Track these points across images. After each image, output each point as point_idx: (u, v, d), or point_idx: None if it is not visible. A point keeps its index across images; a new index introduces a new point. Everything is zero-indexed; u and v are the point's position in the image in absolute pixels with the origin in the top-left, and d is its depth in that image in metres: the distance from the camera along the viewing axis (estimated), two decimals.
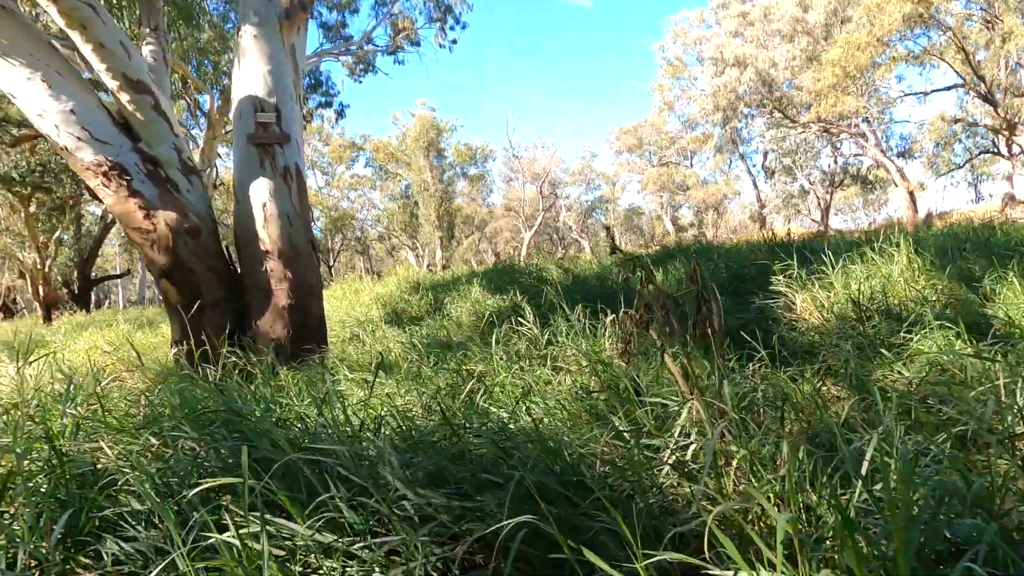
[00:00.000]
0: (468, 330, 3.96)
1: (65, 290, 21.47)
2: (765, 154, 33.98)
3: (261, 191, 4.22)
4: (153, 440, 1.73)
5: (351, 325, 5.46)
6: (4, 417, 1.98)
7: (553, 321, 3.17)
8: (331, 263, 37.41)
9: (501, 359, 2.75)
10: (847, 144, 27.92)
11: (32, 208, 18.58)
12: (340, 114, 15.63)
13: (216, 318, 4.18)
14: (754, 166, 35.42)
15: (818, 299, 3.33)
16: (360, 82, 15.25)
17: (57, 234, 21.00)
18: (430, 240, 36.49)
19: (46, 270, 19.69)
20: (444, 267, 37.18)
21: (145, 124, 3.97)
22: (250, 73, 4.20)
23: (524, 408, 2.02)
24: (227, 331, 4.25)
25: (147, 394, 2.37)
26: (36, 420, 2.06)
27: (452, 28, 15.07)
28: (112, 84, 3.86)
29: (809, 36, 21.85)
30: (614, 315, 2.54)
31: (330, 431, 1.61)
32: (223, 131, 13.33)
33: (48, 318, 17.12)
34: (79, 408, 2.08)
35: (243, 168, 4.26)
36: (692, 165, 38.41)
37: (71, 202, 19.30)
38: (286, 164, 4.27)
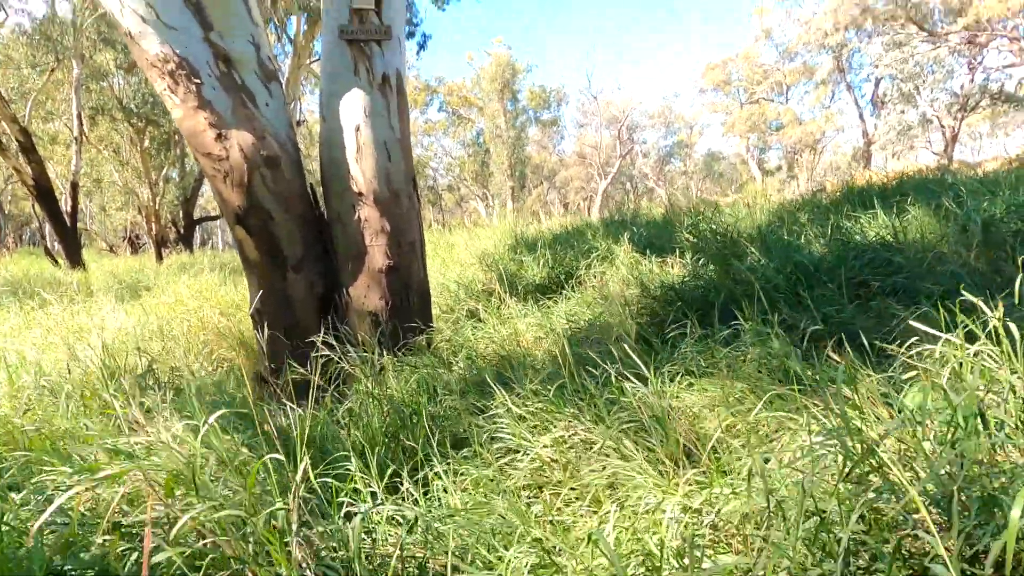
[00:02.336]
0: (639, 316, 2.82)
1: (173, 229, 21.86)
2: (877, 82, 29.54)
3: (354, 109, 3.15)
4: None
5: (453, 290, 4.45)
6: None
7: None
8: None
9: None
10: (991, 56, 23.51)
11: (146, 143, 18.55)
12: (423, 46, 14.33)
13: (301, 282, 3.26)
14: (862, 96, 31.03)
15: None
16: (444, 9, 13.79)
17: (164, 171, 20.99)
18: (501, 190, 35.25)
19: (157, 208, 19.85)
20: (516, 218, 35.96)
21: (219, 4, 2.93)
22: None
23: None
24: (317, 298, 3.33)
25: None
26: None
27: None
28: None
29: None
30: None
31: None
32: (308, 60, 12.39)
33: (159, 256, 17.35)
34: None
35: (332, 77, 3.19)
36: (787, 101, 34.25)
37: (176, 137, 19.15)
38: (385, 71, 3.16)
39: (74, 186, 11.72)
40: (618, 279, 3.26)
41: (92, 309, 5.68)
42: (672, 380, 1.86)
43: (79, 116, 12.29)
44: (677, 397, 1.75)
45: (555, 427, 1.63)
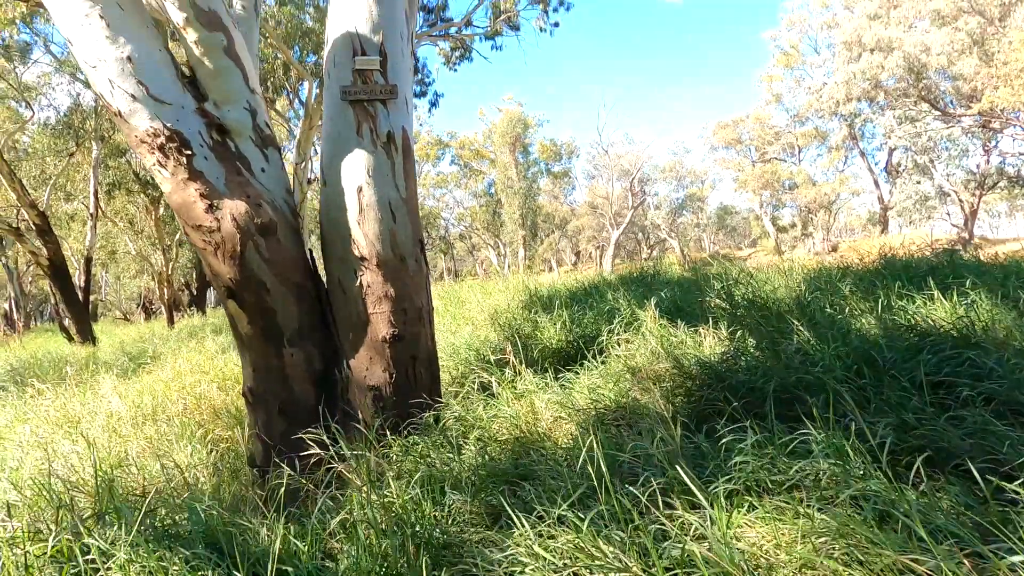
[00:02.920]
0: (673, 396, 2.44)
1: (185, 292, 22.01)
2: (891, 151, 29.72)
3: (356, 170, 2.94)
4: None
5: (463, 354, 4.12)
6: None
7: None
8: None
9: None
10: (1006, 141, 23.45)
11: (160, 210, 18.97)
12: (434, 104, 14.60)
13: (298, 357, 2.96)
14: (876, 164, 31.22)
15: None
16: (455, 70, 14.16)
17: (178, 236, 21.41)
18: (513, 239, 35.47)
19: (169, 272, 20.10)
20: (528, 267, 35.99)
21: (214, 75, 2.80)
22: (351, 1, 2.92)
23: None
24: (315, 374, 3.02)
25: None
26: None
27: (555, 10, 13.60)
28: (177, 16, 2.71)
29: (980, 17, 18.25)
30: None
31: None
32: (320, 122, 12.68)
33: (171, 320, 17.34)
34: None
35: (333, 138, 3.01)
36: (800, 162, 34.57)
37: None
38: (390, 129, 2.97)
39: (87, 261, 11.84)
40: (646, 350, 2.90)
41: (92, 391, 5.45)
42: (730, 500, 1.49)
43: (95, 193, 12.59)
44: (739, 527, 1.38)
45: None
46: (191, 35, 2.68)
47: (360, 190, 2.95)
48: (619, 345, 3.22)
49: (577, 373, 3.07)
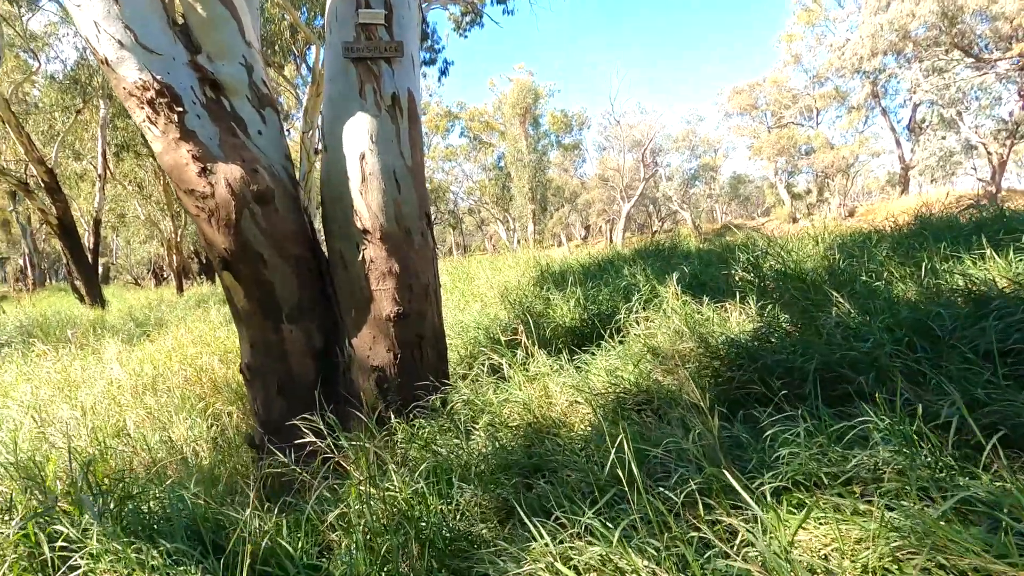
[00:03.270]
0: (700, 378, 2.27)
1: (195, 260, 21.93)
2: (915, 107, 28.58)
3: (359, 135, 2.74)
4: None
5: (472, 333, 3.97)
6: None
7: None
8: None
9: None
10: None
11: None
12: (444, 72, 14.13)
13: (297, 334, 2.82)
14: (898, 122, 30.09)
15: None
16: (465, 36, 13.63)
17: None
18: (522, 213, 35.07)
19: (179, 240, 19.96)
20: (537, 241, 35.65)
21: (207, 24, 2.58)
22: None
23: None
24: (316, 352, 2.89)
25: None
26: None
27: None
28: None
29: None
30: None
31: None
32: None
33: (180, 288, 17.23)
34: None
35: (335, 101, 2.80)
36: (818, 125, 33.45)
37: None
38: (395, 91, 2.75)
39: (96, 223, 11.76)
40: (668, 329, 2.71)
41: (96, 356, 5.39)
42: (778, 498, 1.32)
43: (103, 154, 12.42)
44: (790, 525, 1.21)
45: None
46: None
47: (363, 157, 2.75)
48: (638, 324, 3.04)
49: (593, 354, 2.90)
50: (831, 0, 28.17)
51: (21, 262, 27.19)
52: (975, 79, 21.35)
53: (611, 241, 35.20)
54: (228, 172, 2.59)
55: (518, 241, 38.07)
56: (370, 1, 2.66)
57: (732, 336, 2.41)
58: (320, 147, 2.85)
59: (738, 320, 2.70)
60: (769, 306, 2.73)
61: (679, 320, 2.69)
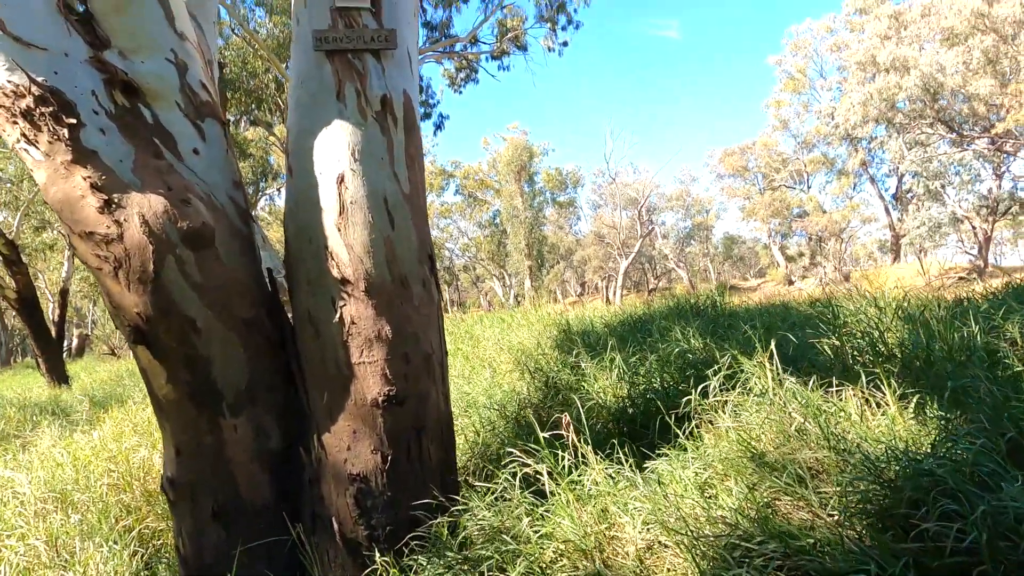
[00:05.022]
0: (855, 512, 1.41)
1: None
2: (900, 177, 29.07)
3: (336, 150, 1.99)
4: None
5: (484, 413, 3.10)
6: None
7: None
8: None
9: None
10: (1018, 164, 22.75)
11: None
12: (439, 126, 13.83)
13: (244, 431, 1.97)
14: (886, 190, 30.55)
15: None
16: (460, 92, 13.47)
17: None
18: (519, 269, 34.61)
19: None
20: (533, 299, 34.96)
21: (117, 7, 1.88)
22: None
23: None
24: (270, 456, 2.03)
25: None
26: None
27: (564, 28, 13.00)
28: None
29: (995, 34, 17.74)
30: None
31: None
32: None
33: None
34: None
35: (305, 105, 2.07)
36: (809, 189, 33.84)
37: None
38: (386, 93, 2.02)
39: (63, 293, 10.93)
40: (772, 422, 1.86)
41: (22, 448, 4.41)
42: None
43: None
44: None
45: None
46: None
47: (341, 180, 1.99)
48: (716, 409, 2.19)
49: (661, 453, 2.03)
50: (814, 71, 29.32)
51: None
52: (955, 155, 21.72)
53: (608, 299, 34.60)
54: (145, 205, 1.81)
55: (515, 297, 37.41)
56: None
57: (896, 447, 1.55)
58: (285, 167, 2.09)
59: (876, 416, 1.85)
60: (919, 396, 1.88)
61: (796, 414, 1.83)
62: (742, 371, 2.31)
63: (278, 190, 23.54)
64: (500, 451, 2.66)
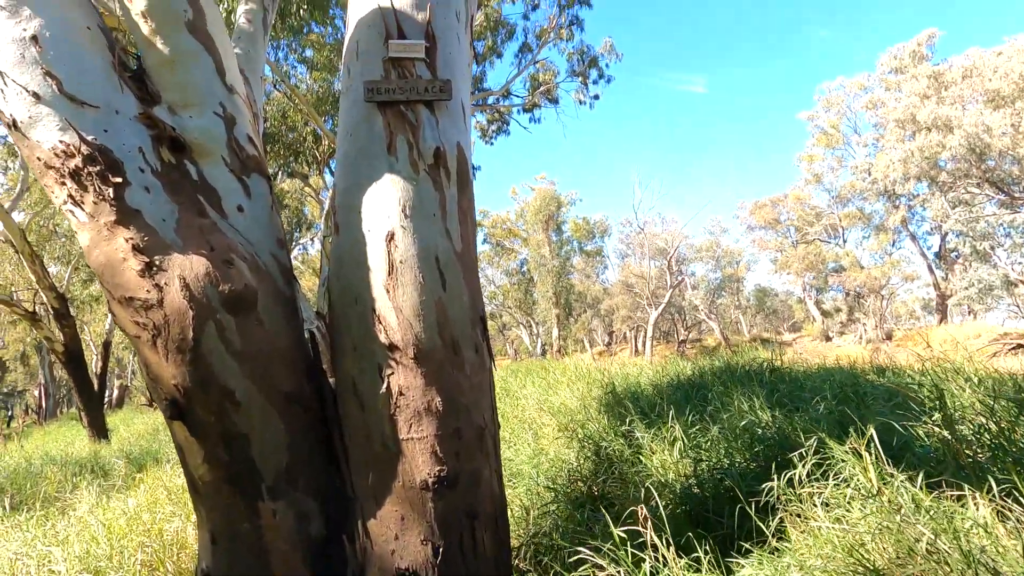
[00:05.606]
0: None
1: None
2: (943, 236, 27.85)
3: (385, 206, 1.87)
4: None
5: (532, 485, 2.83)
6: None
7: None
8: None
9: None
10: None
11: None
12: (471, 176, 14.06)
13: (287, 517, 1.77)
14: (928, 248, 29.24)
15: None
16: (492, 144, 13.75)
17: None
18: (546, 318, 34.30)
19: None
20: (560, 348, 34.38)
21: (170, 63, 1.84)
22: None
23: None
24: (312, 544, 1.81)
25: None
26: None
27: (595, 82, 13.26)
28: None
29: None
30: None
31: None
32: None
33: None
34: None
35: (352, 162, 1.97)
36: (845, 243, 32.72)
37: None
38: (439, 146, 1.91)
39: (106, 346, 11.17)
40: (886, 535, 1.55)
41: (61, 515, 4.29)
42: None
43: None
44: None
45: None
46: (136, 3, 1.76)
47: (391, 238, 1.85)
48: (806, 500, 1.88)
49: (746, 549, 1.72)
50: (847, 127, 29.19)
51: (37, 393, 26.82)
52: (1005, 216, 20.89)
53: (638, 350, 33.74)
54: (186, 267, 1.70)
55: (543, 346, 36.91)
56: (404, 29, 1.93)
57: None
58: (331, 225, 1.97)
59: (1013, 536, 1.52)
60: None
61: (911, 518, 1.51)
62: (829, 457, 2.01)
63: (311, 239, 24.11)
64: (554, 534, 2.38)
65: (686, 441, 2.73)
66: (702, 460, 2.55)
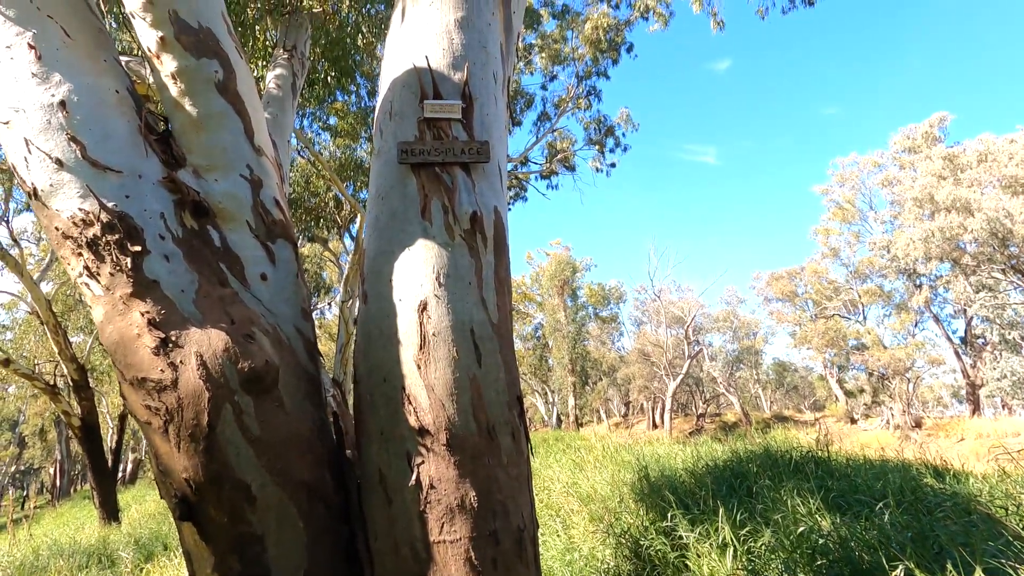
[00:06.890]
0: None
1: None
2: (968, 320, 26.86)
3: (418, 273, 1.72)
4: None
5: None
6: None
7: None
8: None
9: None
10: None
11: None
12: None
13: None
14: (953, 332, 28.05)
15: None
16: (510, 209, 14.00)
17: None
18: (561, 386, 33.47)
19: None
20: (577, 419, 33.22)
21: (198, 125, 1.79)
22: (421, 26, 1.97)
23: None
24: None
25: None
26: None
27: (612, 151, 13.61)
28: (148, 38, 1.78)
29: None
30: None
31: None
32: None
33: None
34: None
35: (385, 223, 1.85)
36: (865, 320, 31.73)
37: None
38: (476, 210, 1.79)
39: (122, 418, 11.00)
40: None
41: None
42: None
43: None
44: None
45: None
46: (166, 64, 1.73)
47: (423, 308, 1.69)
48: None
49: None
50: (863, 202, 29.37)
51: (52, 471, 26.45)
52: None
53: (655, 424, 32.47)
54: (204, 343, 1.55)
55: (558, 415, 35.80)
56: (440, 89, 1.87)
57: None
58: (359, 294, 1.83)
59: None
60: None
61: None
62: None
63: (329, 304, 24.22)
64: None
65: (738, 546, 2.40)
66: (758, 572, 2.21)
